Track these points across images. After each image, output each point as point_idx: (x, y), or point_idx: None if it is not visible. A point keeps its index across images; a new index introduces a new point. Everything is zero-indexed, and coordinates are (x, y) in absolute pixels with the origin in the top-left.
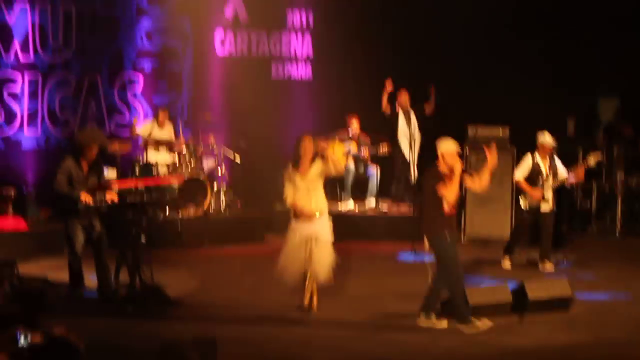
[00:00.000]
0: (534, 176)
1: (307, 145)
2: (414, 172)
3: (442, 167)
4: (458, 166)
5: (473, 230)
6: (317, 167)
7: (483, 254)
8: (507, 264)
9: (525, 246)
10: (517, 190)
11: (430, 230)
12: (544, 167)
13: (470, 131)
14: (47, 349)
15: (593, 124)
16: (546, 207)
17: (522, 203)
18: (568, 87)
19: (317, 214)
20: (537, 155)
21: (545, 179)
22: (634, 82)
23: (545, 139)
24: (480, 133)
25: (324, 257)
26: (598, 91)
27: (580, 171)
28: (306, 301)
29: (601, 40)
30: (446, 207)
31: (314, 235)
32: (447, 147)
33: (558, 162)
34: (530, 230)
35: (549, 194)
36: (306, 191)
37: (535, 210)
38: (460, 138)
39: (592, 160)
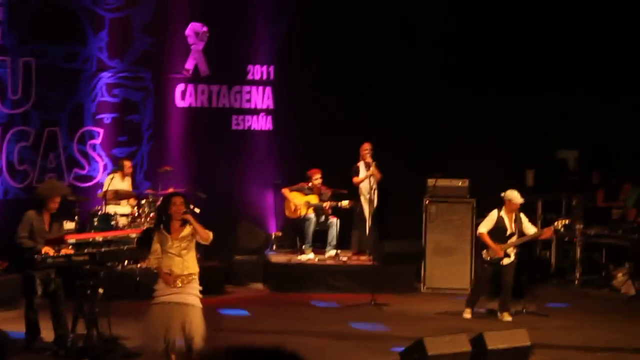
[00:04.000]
0: (498, 231)
1: (179, 206)
2: (369, 224)
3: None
4: None
5: (433, 280)
6: (188, 229)
7: (442, 304)
8: (467, 314)
9: (486, 297)
10: (481, 243)
11: None
12: (508, 223)
13: (430, 183)
14: None
15: (554, 175)
16: (507, 260)
17: (485, 256)
18: (527, 140)
19: (186, 278)
20: (503, 210)
21: (509, 234)
22: (593, 135)
23: (514, 195)
24: (440, 185)
25: (198, 325)
26: (557, 143)
27: (549, 231)
28: None
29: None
30: None
31: (187, 301)
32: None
33: (524, 219)
34: (490, 282)
35: (511, 250)
36: (177, 254)
37: (496, 262)
38: (420, 190)
39: (560, 224)
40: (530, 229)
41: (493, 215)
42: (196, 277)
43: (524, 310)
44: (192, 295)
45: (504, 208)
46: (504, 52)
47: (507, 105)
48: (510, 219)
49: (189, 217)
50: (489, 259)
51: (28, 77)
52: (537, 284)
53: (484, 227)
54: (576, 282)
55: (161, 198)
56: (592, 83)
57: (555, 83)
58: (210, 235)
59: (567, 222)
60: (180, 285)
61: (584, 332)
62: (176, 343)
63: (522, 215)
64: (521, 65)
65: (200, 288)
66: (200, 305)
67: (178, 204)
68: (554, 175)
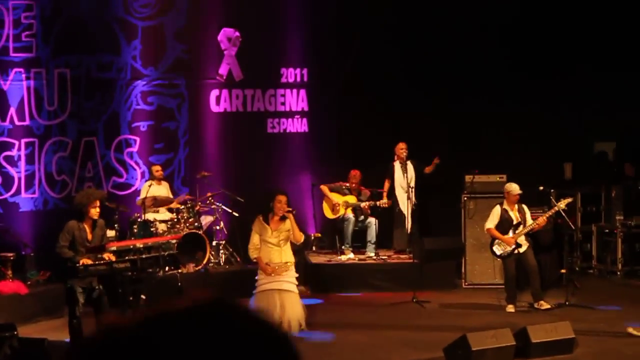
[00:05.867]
0: (505, 224)
1: (283, 204)
2: (409, 223)
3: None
4: None
5: (473, 276)
6: (287, 225)
7: (484, 299)
8: (510, 308)
9: (520, 291)
10: (489, 241)
11: None
12: (513, 215)
13: (467, 179)
14: None
15: (592, 168)
16: (522, 248)
17: (497, 250)
18: (564, 133)
19: (287, 267)
20: (504, 204)
21: (516, 224)
22: (631, 126)
23: (512, 186)
24: (478, 180)
25: (295, 309)
26: (595, 135)
27: (543, 219)
28: None
29: (595, 82)
30: None
31: (282, 287)
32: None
33: (527, 209)
34: (520, 274)
35: (522, 238)
36: (277, 245)
37: (510, 254)
38: (458, 187)
39: (563, 203)
40: (530, 219)
41: (496, 210)
42: (293, 265)
43: (567, 303)
44: (289, 282)
45: (505, 202)
46: (537, 43)
47: (542, 99)
48: (514, 210)
49: (291, 215)
50: (501, 253)
51: (63, 87)
52: (579, 276)
53: (490, 222)
54: (618, 273)
55: (267, 193)
56: (630, 72)
57: (592, 73)
58: (303, 237)
59: (570, 200)
60: (279, 273)
61: (627, 323)
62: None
63: (524, 206)
64: (555, 56)
65: (297, 275)
66: (297, 291)
67: (283, 202)
68: (593, 167)
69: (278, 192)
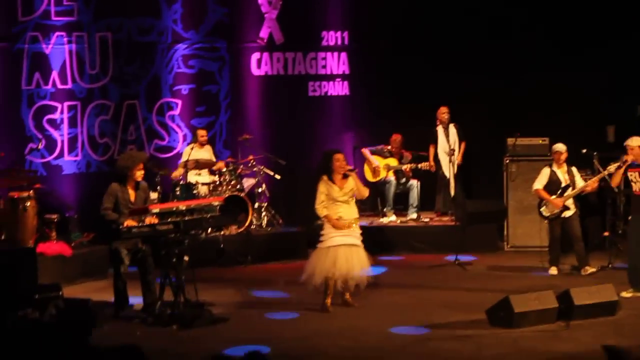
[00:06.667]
0: (553, 186)
1: (342, 162)
2: (452, 186)
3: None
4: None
5: (516, 239)
6: (350, 182)
7: (527, 262)
8: (553, 271)
9: (564, 254)
10: (537, 202)
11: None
12: (561, 176)
13: (510, 142)
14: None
15: (636, 131)
16: (568, 212)
17: (545, 212)
18: (607, 96)
19: (353, 224)
20: (553, 165)
21: (565, 186)
22: None
23: (559, 146)
24: (520, 143)
25: (363, 263)
26: (637, 98)
27: (594, 182)
28: (328, 302)
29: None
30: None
31: (350, 242)
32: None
33: (576, 172)
34: (564, 237)
35: (570, 201)
36: (344, 202)
37: (557, 216)
38: (500, 150)
39: (613, 167)
40: (580, 182)
41: (545, 171)
42: (358, 222)
43: (610, 266)
44: (357, 237)
45: (553, 163)
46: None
47: (585, 61)
48: (563, 172)
49: (353, 173)
50: (548, 215)
51: (105, 51)
52: (621, 239)
53: (539, 183)
54: None
55: (323, 155)
56: None
57: (635, 35)
58: (367, 192)
59: (619, 164)
60: (350, 228)
61: None
62: (337, 283)
63: (573, 168)
64: (597, 18)
65: (361, 231)
66: (362, 245)
67: (341, 159)
68: (636, 130)
69: (334, 152)
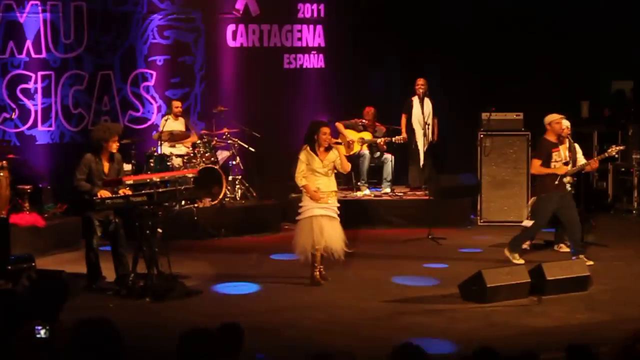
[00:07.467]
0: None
1: (328, 135)
2: (424, 159)
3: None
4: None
5: (489, 214)
6: (332, 155)
7: (499, 237)
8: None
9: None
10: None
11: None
12: (562, 153)
13: (484, 117)
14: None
15: (609, 106)
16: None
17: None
18: (581, 71)
19: (330, 198)
20: (550, 134)
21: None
22: None
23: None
24: (494, 118)
25: (339, 235)
26: (612, 74)
27: (595, 162)
28: (317, 275)
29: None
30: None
31: (328, 214)
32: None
33: (578, 148)
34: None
35: (567, 179)
36: (325, 175)
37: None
38: (474, 124)
39: (614, 150)
40: (582, 159)
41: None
42: (336, 194)
43: (583, 241)
44: (334, 209)
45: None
46: None
47: (560, 37)
48: (564, 148)
49: (338, 147)
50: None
51: (79, 21)
52: (595, 215)
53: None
54: (634, 212)
55: (310, 125)
56: None
57: (609, 14)
58: (349, 166)
59: (622, 147)
60: (329, 201)
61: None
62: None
63: (576, 145)
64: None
65: (339, 205)
66: (338, 218)
67: (327, 133)
68: (609, 106)
69: (322, 125)
